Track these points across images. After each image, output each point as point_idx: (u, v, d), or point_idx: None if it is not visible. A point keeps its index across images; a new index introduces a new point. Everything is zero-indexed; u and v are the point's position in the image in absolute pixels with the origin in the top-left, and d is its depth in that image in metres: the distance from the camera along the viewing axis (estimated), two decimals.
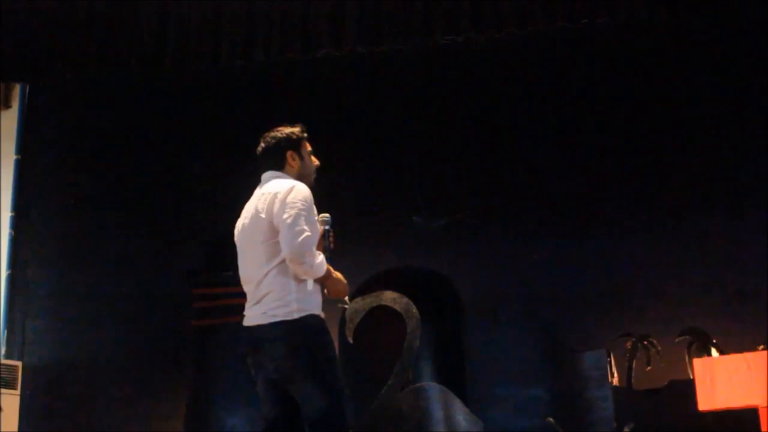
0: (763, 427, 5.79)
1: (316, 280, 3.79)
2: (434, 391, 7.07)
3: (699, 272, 7.91)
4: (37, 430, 7.68)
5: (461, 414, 7.01)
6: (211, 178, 8.60)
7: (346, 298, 3.96)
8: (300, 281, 3.74)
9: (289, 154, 4.00)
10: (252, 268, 3.84)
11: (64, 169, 8.66)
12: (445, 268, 8.33)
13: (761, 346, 6.42)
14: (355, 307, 7.47)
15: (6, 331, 7.94)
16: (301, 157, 4.03)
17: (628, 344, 7.72)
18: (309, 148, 4.09)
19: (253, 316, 3.80)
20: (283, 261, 3.72)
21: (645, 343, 7.71)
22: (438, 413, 6.94)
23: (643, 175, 8.20)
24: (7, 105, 8.48)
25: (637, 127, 8.17)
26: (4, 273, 8.04)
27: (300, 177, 3.98)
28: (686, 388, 6.57)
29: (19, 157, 8.36)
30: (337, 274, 3.88)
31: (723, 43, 7.99)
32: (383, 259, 8.25)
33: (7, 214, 8.18)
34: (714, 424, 6.47)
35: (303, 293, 3.74)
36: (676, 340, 7.69)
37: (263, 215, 3.80)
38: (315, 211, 3.85)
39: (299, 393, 3.69)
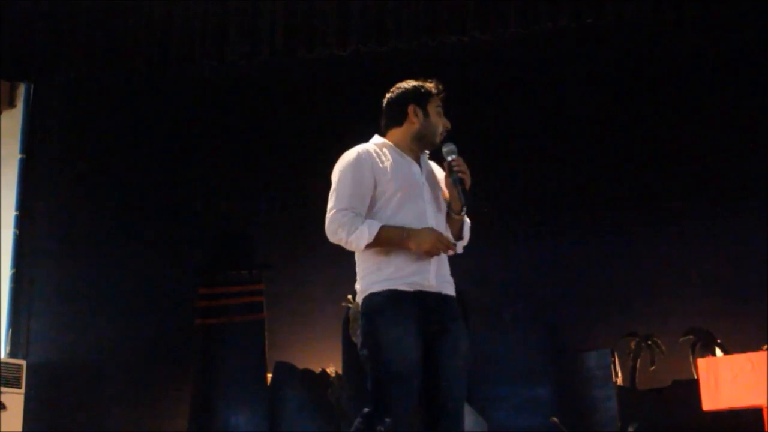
0: (767, 427, 5.78)
1: (385, 249, 3.37)
2: None
3: (701, 271, 7.90)
4: (41, 428, 7.68)
5: (465, 413, 6.98)
6: (215, 176, 8.61)
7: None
8: (362, 256, 3.43)
9: (411, 108, 3.61)
10: None
11: (68, 169, 8.67)
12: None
13: (765, 346, 6.40)
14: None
15: (10, 330, 7.94)
16: (426, 114, 3.61)
17: (633, 344, 7.72)
18: (439, 105, 3.66)
19: None
20: None
21: (649, 342, 7.71)
22: None
23: (647, 175, 8.19)
24: (11, 104, 8.48)
25: (638, 127, 8.16)
26: (8, 272, 8.03)
27: (420, 136, 3.61)
28: (690, 388, 6.56)
29: (24, 156, 8.35)
30: (402, 233, 3.37)
31: (726, 42, 7.96)
32: None
33: (11, 213, 8.18)
34: (718, 424, 6.45)
35: (365, 270, 3.41)
36: (680, 339, 7.69)
37: None
38: (363, 172, 3.54)
39: None
